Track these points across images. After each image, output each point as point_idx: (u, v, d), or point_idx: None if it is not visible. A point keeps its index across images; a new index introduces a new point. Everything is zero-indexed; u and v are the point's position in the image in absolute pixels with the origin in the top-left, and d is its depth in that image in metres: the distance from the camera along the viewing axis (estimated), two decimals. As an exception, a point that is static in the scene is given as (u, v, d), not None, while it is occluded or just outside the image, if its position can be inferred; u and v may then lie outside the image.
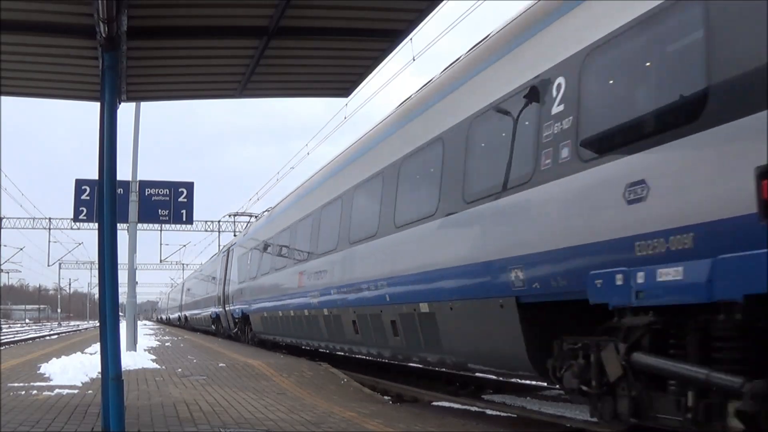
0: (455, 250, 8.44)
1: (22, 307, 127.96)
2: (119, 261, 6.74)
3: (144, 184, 16.86)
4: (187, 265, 75.21)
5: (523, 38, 7.55)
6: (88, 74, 7.43)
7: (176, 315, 59.40)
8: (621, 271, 5.74)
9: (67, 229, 55.29)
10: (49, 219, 55.58)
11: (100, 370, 6.37)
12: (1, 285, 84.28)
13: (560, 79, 6.76)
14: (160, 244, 57.37)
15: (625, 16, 5.95)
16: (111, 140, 6.37)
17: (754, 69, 4.73)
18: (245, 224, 37.86)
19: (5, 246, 62.98)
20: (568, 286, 6.49)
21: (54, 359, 13.98)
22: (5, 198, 64.90)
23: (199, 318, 39.32)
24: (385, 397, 11.32)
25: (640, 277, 5.53)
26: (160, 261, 60.86)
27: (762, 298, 4.52)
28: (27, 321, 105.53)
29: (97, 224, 8.15)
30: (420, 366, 7.30)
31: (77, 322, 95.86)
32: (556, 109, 6.76)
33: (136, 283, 18.88)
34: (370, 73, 8.06)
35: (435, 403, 10.11)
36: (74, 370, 12.21)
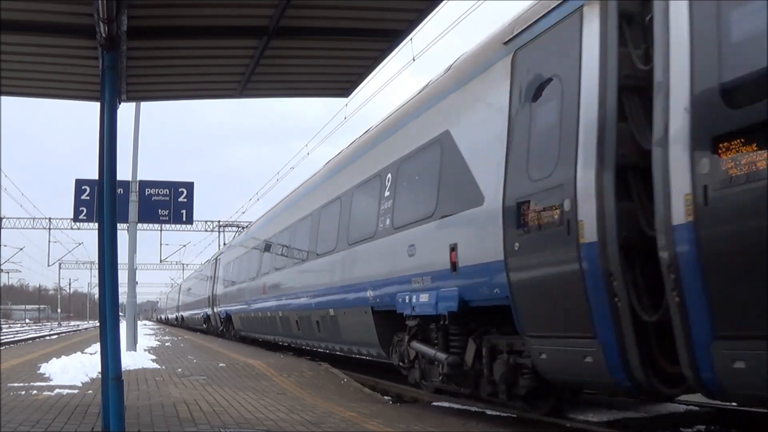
0: (345, 275, 12.73)
1: (22, 307, 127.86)
2: (119, 261, 6.74)
3: (144, 184, 16.87)
4: (187, 265, 75.40)
5: (372, 145, 12.17)
6: (88, 74, 7.43)
7: (174, 315, 61.47)
8: (407, 294, 9.81)
9: (67, 229, 55.27)
10: (49, 219, 55.54)
11: (100, 370, 6.36)
12: (1, 285, 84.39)
13: (388, 175, 10.94)
14: (160, 244, 57.80)
15: (416, 143, 10.00)
16: (111, 140, 6.37)
17: (457, 192, 8.61)
18: (234, 232, 43.40)
19: (5, 246, 63.05)
20: (390, 301, 10.43)
21: (54, 359, 13.99)
22: (5, 198, 64.99)
23: (193, 318, 44.16)
24: (385, 397, 11.33)
25: (414, 298, 9.60)
26: (160, 261, 60.91)
27: (454, 313, 8.60)
28: (27, 321, 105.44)
29: (97, 224, 8.15)
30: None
31: (77, 322, 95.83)
32: (386, 194, 10.95)
33: (136, 283, 18.89)
34: (370, 73, 8.03)
35: (435, 403, 10.11)
36: (74, 370, 12.22)
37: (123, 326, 12.30)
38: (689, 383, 5.58)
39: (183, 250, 69.21)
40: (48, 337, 36.98)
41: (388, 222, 10.61)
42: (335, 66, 7.89)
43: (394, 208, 10.48)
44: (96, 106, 7.14)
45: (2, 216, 52.74)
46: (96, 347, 17.06)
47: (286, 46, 7.14)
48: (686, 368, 5.42)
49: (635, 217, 5.88)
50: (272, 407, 8.84)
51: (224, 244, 43.60)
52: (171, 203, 16.82)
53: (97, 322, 26.41)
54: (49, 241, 57.98)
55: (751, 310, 4.83)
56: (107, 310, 6.18)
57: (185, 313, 49.98)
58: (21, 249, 75.14)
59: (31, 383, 10.93)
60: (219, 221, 54.36)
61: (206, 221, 55.87)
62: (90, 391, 9.90)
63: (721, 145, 5.00)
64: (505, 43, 7.89)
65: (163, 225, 43.52)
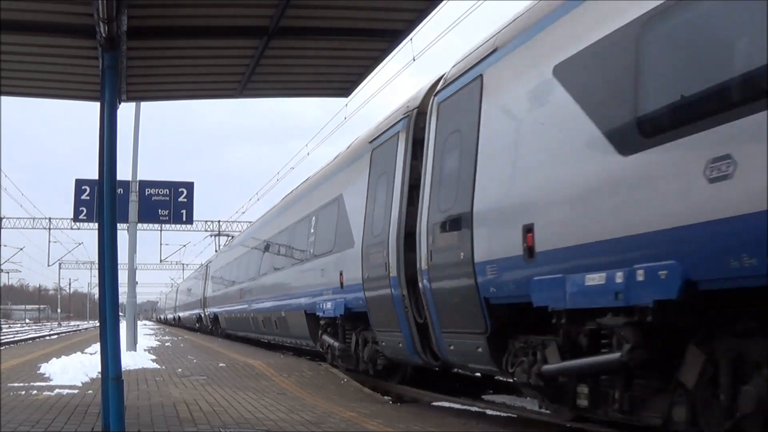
0: (290, 287, 17.18)
1: (22, 307, 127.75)
2: (119, 261, 6.74)
3: (144, 184, 16.87)
4: (186, 265, 75.37)
5: (308, 193, 16.59)
6: (88, 74, 7.42)
7: (172, 315, 62.64)
8: (320, 302, 13.88)
9: (67, 229, 55.29)
10: (49, 219, 55.55)
11: (100, 370, 6.36)
12: (1, 285, 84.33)
13: (313, 218, 15.38)
14: (160, 244, 57.50)
15: (328, 198, 14.19)
16: (111, 140, 6.37)
17: (344, 236, 12.70)
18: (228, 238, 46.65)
19: (5, 246, 62.90)
20: (313, 307, 14.52)
21: (54, 359, 13.98)
22: (5, 198, 64.98)
23: (188, 318, 48.38)
24: (386, 398, 11.32)
25: (324, 305, 13.77)
26: (160, 261, 60.86)
27: (343, 316, 12.81)
28: (27, 321, 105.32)
29: (97, 224, 8.15)
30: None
31: (77, 322, 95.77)
32: (311, 231, 15.30)
33: (136, 283, 18.89)
34: (370, 73, 8.03)
35: (435, 404, 10.12)
36: (74, 370, 12.21)
37: (123, 326, 12.29)
38: (438, 356, 9.35)
39: (183, 250, 69.18)
40: (48, 337, 36.98)
41: (312, 251, 15.16)
42: (335, 66, 7.89)
43: (315, 241, 14.93)
44: (96, 106, 7.14)
45: (2, 216, 52.75)
46: (96, 347, 17.05)
47: (286, 46, 7.14)
48: (435, 347, 9.26)
49: (414, 262, 9.27)
50: (272, 407, 8.84)
51: (218, 249, 45.77)
52: (171, 203, 16.83)
53: (97, 322, 26.39)
54: (49, 241, 58.04)
55: (453, 319, 8.42)
56: (107, 310, 6.18)
57: (182, 314, 53.01)
58: (21, 249, 74.90)
59: (31, 383, 10.93)
60: (219, 221, 54.50)
61: (206, 221, 55.89)
62: (90, 391, 9.90)
63: (437, 229, 8.51)
64: (370, 142, 11.85)
65: (163, 225, 43.51)
